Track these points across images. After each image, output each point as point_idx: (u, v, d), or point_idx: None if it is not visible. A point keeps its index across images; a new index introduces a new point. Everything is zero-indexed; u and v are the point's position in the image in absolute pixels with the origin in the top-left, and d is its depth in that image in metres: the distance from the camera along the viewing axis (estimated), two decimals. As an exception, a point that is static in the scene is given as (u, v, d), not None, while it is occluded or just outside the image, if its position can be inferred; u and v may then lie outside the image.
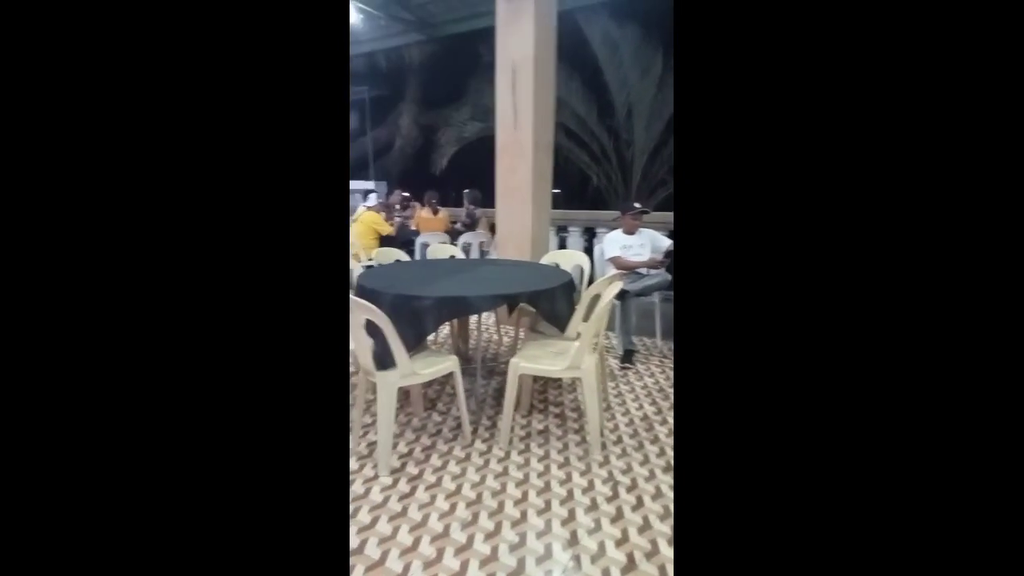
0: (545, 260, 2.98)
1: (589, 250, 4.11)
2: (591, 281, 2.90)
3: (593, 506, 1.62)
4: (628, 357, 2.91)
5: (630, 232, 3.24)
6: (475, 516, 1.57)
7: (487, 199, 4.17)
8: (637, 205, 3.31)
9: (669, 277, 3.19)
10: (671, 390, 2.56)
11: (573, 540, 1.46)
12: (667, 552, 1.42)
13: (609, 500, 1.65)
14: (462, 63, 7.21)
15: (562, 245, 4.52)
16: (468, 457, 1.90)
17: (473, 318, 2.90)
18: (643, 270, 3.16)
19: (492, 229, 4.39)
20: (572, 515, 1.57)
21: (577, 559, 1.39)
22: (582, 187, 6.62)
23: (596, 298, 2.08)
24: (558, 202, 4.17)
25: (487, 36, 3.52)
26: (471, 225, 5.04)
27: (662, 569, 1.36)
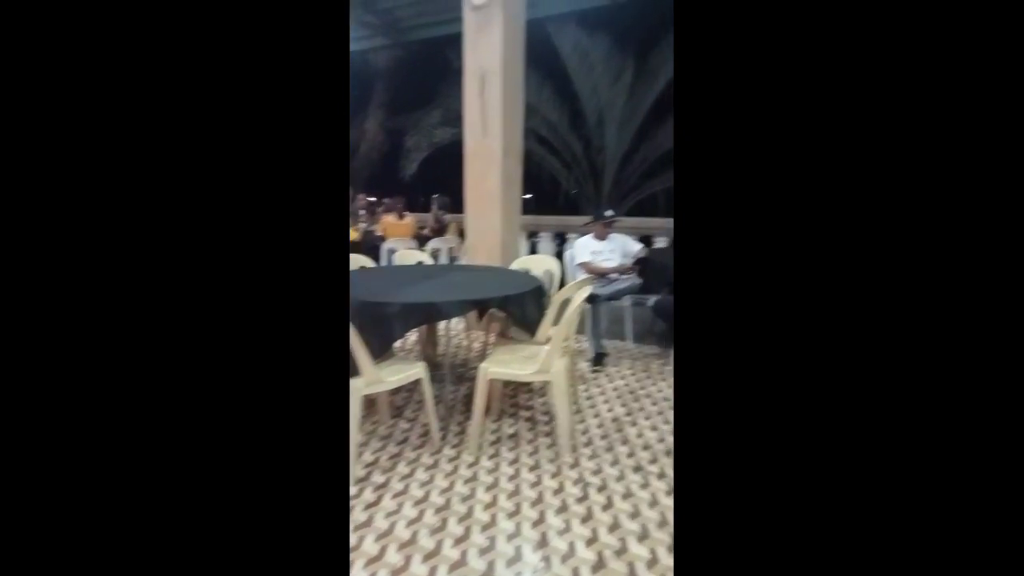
0: (515, 265, 2.99)
1: (560, 255, 4.14)
2: (562, 286, 2.92)
3: (563, 508, 1.62)
4: (599, 360, 2.94)
5: (600, 238, 3.29)
6: (444, 522, 1.54)
7: (457, 204, 4.16)
8: (610, 212, 3.32)
9: (639, 281, 3.24)
10: (641, 392, 2.59)
11: (543, 542, 1.46)
12: (636, 550, 1.43)
13: (579, 501, 1.66)
14: (431, 68, 7.16)
15: (533, 251, 4.54)
16: (436, 464, 1.88)
17: (442, 324, 2.87)
18: (613, 275, 3.21)
19: (461, 234, 4.37)
20: (542, 517, 1.57)
21: (547, 560, 1.39)
22: (553, 193, 6.67)
23: (566, 302, 2.09)
24: (529, 208, 4.19)
25: (457, 42, 3.52)
26: (439, 230, 5.01)
27: (631, 566, 1.37)
